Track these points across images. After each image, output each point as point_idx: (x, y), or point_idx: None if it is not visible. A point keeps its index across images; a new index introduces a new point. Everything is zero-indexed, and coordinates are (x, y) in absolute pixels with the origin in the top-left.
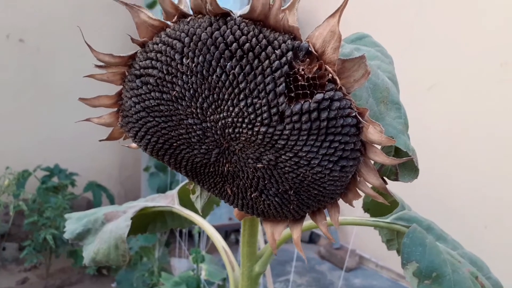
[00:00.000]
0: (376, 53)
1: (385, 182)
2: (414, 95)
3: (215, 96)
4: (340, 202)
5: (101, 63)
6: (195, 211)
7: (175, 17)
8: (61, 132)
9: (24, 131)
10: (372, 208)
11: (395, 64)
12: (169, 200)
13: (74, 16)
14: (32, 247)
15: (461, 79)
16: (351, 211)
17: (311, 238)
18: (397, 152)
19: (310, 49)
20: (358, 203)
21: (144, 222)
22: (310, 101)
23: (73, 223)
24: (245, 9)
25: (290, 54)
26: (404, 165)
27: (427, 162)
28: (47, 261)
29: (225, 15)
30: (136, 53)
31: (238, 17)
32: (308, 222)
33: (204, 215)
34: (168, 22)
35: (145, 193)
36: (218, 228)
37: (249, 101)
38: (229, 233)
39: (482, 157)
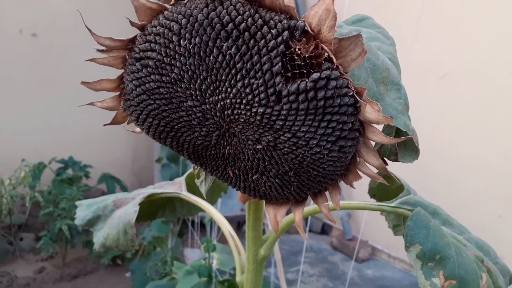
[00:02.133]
0: (377, 34)
1: (385, 163)
2: (427, 83)
3: (213, 77)
4: (346, 187)
5: (102, 47)
6: (203, 197)
7: (173, 0)
8: (75, 125)
9: (39, 124)
10: (378, 193)
11: (408, 52)
12: (177, 187)
13: (86, 11)
14: (48, 238)
15: (474, 68)
16: (359, 196)
17: (323, 229)
18: (398, 133)
19: (306, 28)
20: (366, 188)
21: (153, 208)
22: (307, 80)
23: (84, 210)
24: None
25: (286, 33)
26: (405, 145)
27: (440, 151)
28: (63, 251)
29: None
30: (136, 36)
31: None
32: (313, 206)
33: (212, 202)
34: (166, 5)
35: None
36: (231, 219)
37: (246, 81)
38: (241, 224)
39: (495, 146)
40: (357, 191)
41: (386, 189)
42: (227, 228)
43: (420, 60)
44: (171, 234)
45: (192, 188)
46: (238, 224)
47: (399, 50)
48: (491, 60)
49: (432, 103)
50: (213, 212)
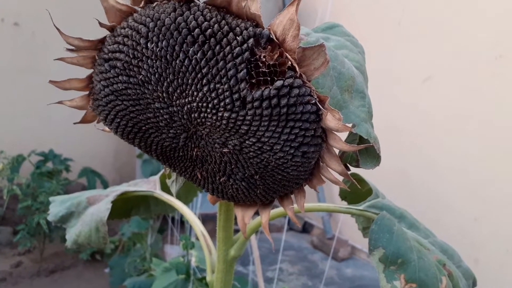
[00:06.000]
0: (345, 42)
1: (348, 169)
2: (409, 87)
3: (179, 80)
4: (328, 189)
5: (72, 47)
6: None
7: (142, 2)
8: (56, 117)
9: (19, 116)
10: (348, 195)
11: (388, 56)
12: (151, 185)
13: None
14: (26, 231)
15: (456, 72)
16: (337, 198)
17: (304, 228)
18: (361, 140)
19: (271, 36)
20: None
21: (127, 206)
22: (271, 87)
23: (57, 206)
24: None
25: (251, 40)
26: (367, 152)
27: (420, 154)
28: (40, 245)
29: (189, 1)
30: (105, 37)
31: (202, 3)
32: (282, 208)
33: (188, 201)
34: (136, 7)
35: None
36: (212, 216)
37: (212, 86)
38: None
39: (474, 149)
40: (337, 193)
41: (357, 191)
42: (199, 228)
43: (402, 63)
44: (151, 230)
45: (166, 186)
46: None
47: (382, 53)
48: (473, 63)
49: (414, 106)
50: (186, 211)
